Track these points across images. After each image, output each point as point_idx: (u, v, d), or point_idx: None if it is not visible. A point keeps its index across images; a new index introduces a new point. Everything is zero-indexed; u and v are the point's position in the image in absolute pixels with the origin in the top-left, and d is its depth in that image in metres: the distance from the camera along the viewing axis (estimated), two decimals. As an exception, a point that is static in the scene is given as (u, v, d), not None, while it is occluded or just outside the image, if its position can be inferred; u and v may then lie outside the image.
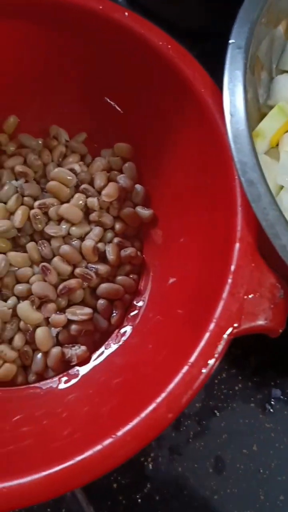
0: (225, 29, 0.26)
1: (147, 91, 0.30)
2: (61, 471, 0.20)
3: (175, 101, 0.28)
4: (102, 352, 0.30)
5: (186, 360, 0.21)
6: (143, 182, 0.33)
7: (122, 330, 0.31)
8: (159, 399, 0.21)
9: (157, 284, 0.31)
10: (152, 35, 0.27)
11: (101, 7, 0.28)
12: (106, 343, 0.30)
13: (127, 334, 0.30)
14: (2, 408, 0.28)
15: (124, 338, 0.30)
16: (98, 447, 0.20)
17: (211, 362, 0.21)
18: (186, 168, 0.30)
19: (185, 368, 0.21)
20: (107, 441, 0.20)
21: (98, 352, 0.30)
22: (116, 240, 0.32)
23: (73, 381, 0.29)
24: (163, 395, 0.21)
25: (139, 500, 0.30)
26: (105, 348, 0.30)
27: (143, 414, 0.21)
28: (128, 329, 0.31)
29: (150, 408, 0.21)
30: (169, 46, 0.27)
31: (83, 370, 0.29)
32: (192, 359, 0.21)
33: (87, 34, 0.30)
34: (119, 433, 0.20)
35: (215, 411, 0.32)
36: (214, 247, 0.26)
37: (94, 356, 0.30)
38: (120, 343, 0.30)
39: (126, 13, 0.28)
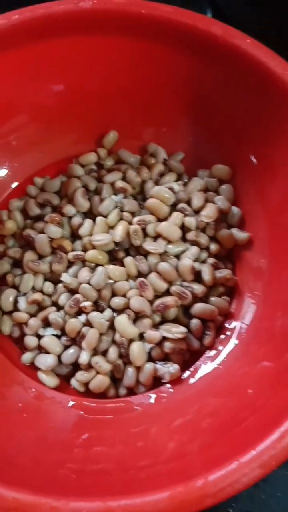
0: None
1: (260, 114, 0.30)
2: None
3: (281, 122, 0.28)
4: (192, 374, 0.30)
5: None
6: (239, 205, 0.33)
7: (212, 353, 0.31)
8: (283, 428, 0.21)
9: (262, 316, 0.30)
10: (274, 64, 0.28)
11: (221, 33, 0.29)
12: (196, 364, 0.30)
13: (219, 360, 0.30)
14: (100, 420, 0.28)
15: (214, 363, 0.30)
16: (222, 471, 0.20)
17: None
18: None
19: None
20: (231, 466, 0.20)
21: (185, 374, 0.30)
22: (210, 260, 0.32)
23: (163, 400, 0.29)
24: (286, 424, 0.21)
25: (221, 526, 0.29)
26: (195, 371, 0.30)
27: (267, 442, 0.20)
28: (221, 354, 0.30)
29: (274, 436, 0.20)
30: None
31: (174, 390, 0.29)
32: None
33: (204, 56, 0.30)
34: (243, 459, 0.20)
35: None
36: None
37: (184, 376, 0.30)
38: (211, 368, 0.30)
39: (248, 40, 0.28)
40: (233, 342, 0.30)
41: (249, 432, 0.23)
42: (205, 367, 0.30)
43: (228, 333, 0.31)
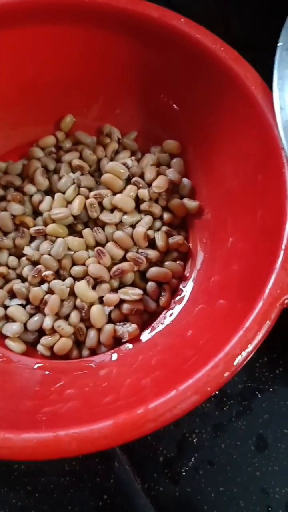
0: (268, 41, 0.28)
1: (201, 89, 0.32)
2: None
3: (227, 99, 0.31)
4: (149, 332, 0.32)
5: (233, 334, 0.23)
6: (191, 177, 0.35)
7: (169, 313, 0.33)
8: (216, 359, 0.23)
9: (204, 273, 0.33)
10: (207, 40, 0.30)
11: (158, 15, 0.31)
12: (154, 323, 0.32)
13: (173, 317, 0.32)
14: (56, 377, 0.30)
15: (169, 319, 0.32)
16: (161, 399, 0.22)
17: (265, 326, 0.23)
18: (235, 164, 0.32)
19: (241, 332, 0.23)
20: (170, 394, 0.22)
21: (145, 332, 0.32)
22: (164, 228, 0.34)
23: (121, 357, 0.31)
24: (220, 355, 0.23)
25: (184, 474, 0.31)
26: (152, 329, 0.32)
27: (202, 372, 0.22)
28: (174, 311, 0.33)
29: (208, 366, 0.23)
30: (222, 49, 0.30)
31: (132, 347, 0.32)
32: (247, 324, 0.23)
33: (146, 39, 0.33)
34: (181, 387, 0.22)
35: (257, 393, 0.33)
36: (263, 236, 0.28)
37: (142, 335, 0.32)
38: (165, 325, 0.32)
39: (182, 20, 0.31)
40: (185, 300, 0.32)
41: (193, 368, 0.24)
42: (161, 326, 0.32)
43: (183, 294, 0.33)
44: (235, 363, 0.23)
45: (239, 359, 0.23)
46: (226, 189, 0.33)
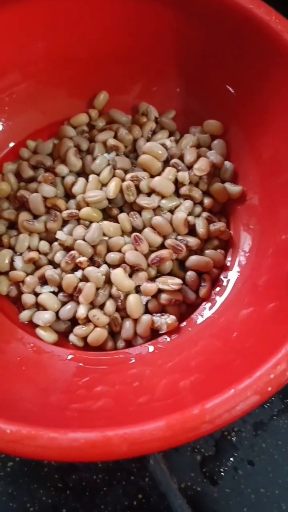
0: None
1: (251, 64, 0.30)
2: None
3: (280, 74, 0.28)
4: (188, 326, 0.30)
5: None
6: (232, 160, 0.33)
7: (208, 305, 0.31)
8: (279, 355, 0.21)
9: (250, 268, 0.30)
10: (260, 11, 0.28)
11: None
12: (192, 315, 0.31)
13: (213, 310, 0.30)
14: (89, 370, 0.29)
15: (210, 312, 0.30)
16: (219, 399, 0.20)
17: None
18: (281, 146, 0.30)
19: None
20: (228, 393, 0.20)
21: (183, 324, 0.30)
22: (205, 214, 0.32)
23: (156, 353, 0.29)
24: (283, 351, 0.21)
25: (222, 474, 0.30)
26: (191, 321, 0.30)
27: (263, 370, 0.21)
28: (214, 304, 0.31)
29: (269, 364, 0.21)
30: (277, 21, 0.28)
31: (171, 340, 0.30)
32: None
33: (190, 9, 0.30)
34: (240, 386, 0.20)
35: (300, 390, 0.31)
36: None
37: (181, 328, 0.30)
38: (205, 317, 0.30)
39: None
40: (227, 292, 0.30)
41: (240, 370, 0.23)
42: (201, 318, 0.30)
43: (224, 284, 0.31)
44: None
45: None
46: (281, 179, 0.31)
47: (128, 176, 0.32)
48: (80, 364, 0.29)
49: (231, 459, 0.30)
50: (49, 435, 0.19)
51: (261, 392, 0.20)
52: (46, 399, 0.25)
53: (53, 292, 0.31)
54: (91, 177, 0.32)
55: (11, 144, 0.35)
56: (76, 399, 0.24)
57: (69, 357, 0.29)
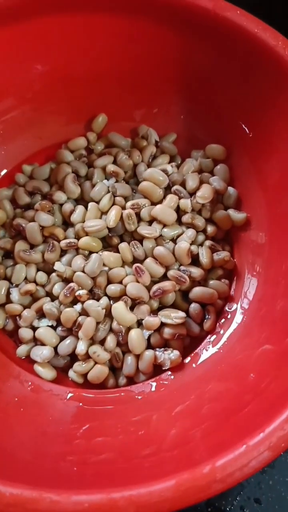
0: None
1: (255, 87, 0.29)
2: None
3: (279, 98, 0.27)
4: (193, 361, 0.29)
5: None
6: (236, 185, 0.32)
7: (213, 338, 0.30)
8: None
9: (260, 300, 0.29)
10: (266, 35, 0.27)
11: (211, 5, 0.28)
12: (197, 349, 0.29)
13: (219, 344, 0.29)
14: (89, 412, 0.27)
15: (215, 349, 0.29)
16: (230, 455, 0.19)
17: None
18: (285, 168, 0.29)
19: None
20: (239, 450, 0.19)
21: (188, 359, 0.29)
22: (208, 243, 0.31)
23: (163, 388, 0.28)
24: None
25: (229, 514, 0.29)
26: (196, 356, 0.29)
27: (275, 423, 0.20)
28: (219, 337, 0.29)
29: (283, 417, 0.20)
30: (284, 47, 0.27)
31: (175, 377, 0.28)
32: None
33: (195, 32, 0.29)
34: (252, 441, 0.19)
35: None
36: None
37: (185, 364, 0.29)
38: (211, 353, 0.29)
39: (238, 11, 0.27)
40: (234, 325, 0.29)
41: (253, 416, 0.22)
42: (206, 353, 0.29)
43: (229, 316, 0.30)
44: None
45: None
46: (274, 199, 0.30)
47: (129, 204, 0.31)
48: (80, 404, 0.27)
49: (238, 497, 0.29)
50: (51, 499, 0.18)
51: (273, 448, 0.19)
52: (45, 448, 0.24)
53: (51, 326, 0.30)
54: (91, 205, 0.31)
55: (3, 172, 0.33)
56: (76, 451, 0.23)
57: (69, 395, 0.28)
